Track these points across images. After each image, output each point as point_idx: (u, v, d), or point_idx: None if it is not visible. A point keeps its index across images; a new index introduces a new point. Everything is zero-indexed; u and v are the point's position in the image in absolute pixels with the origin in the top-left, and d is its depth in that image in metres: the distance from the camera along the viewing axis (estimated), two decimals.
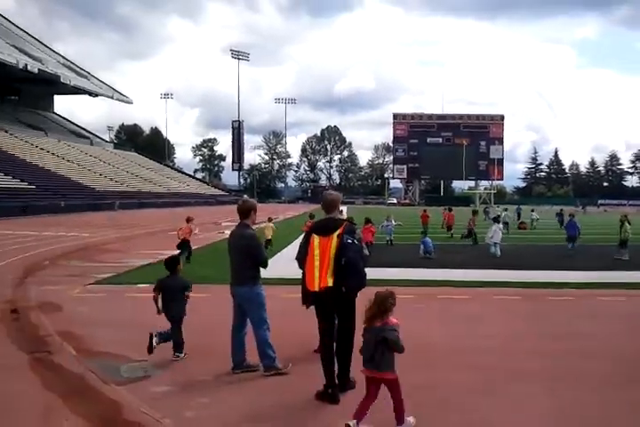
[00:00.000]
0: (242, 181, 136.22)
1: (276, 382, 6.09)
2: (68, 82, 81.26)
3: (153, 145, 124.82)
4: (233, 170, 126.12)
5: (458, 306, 10.47)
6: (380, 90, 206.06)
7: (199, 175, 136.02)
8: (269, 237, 19.40)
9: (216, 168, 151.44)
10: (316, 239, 5.69)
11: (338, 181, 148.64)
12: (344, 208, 42.04)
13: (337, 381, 5.63)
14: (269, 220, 20.94)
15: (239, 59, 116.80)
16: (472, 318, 9.39)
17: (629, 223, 18.90)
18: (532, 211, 38.96)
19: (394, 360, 4.84)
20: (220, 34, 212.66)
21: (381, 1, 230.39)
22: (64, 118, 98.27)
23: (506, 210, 37.69)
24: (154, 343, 6.65)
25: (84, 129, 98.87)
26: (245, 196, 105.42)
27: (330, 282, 5.47)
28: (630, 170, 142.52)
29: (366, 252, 5.84)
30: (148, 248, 20.36)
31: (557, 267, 15.88)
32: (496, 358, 7.00)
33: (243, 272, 6.37)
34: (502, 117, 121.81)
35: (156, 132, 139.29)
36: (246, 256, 6.34)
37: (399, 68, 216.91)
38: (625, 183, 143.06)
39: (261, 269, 6.45)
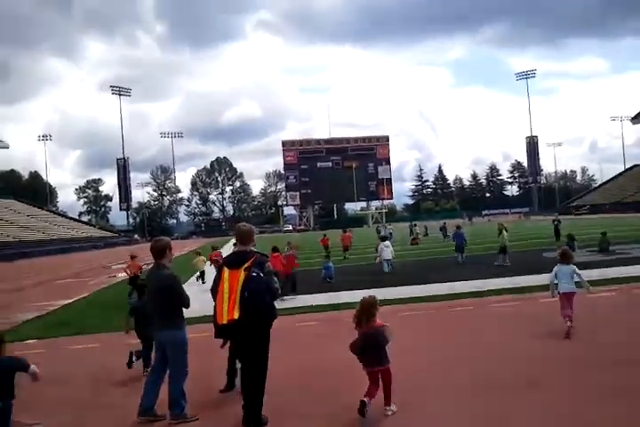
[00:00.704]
0: (131, 220, 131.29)
1: None
2: None
3: (33, 190, 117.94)
4: (121, 210, 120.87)
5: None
6: (266, 118, 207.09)
7: (85, 218, 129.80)
8: (203, 269, 20.28)
9: (102, 209, 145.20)
10: (225, 272, 5.70)
11: (231, 212, 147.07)
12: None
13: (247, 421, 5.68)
14: (198, 253, 22.23)
15: (120, 94, 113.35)
16: None
17: (506, 231, 20.32)
18: (415, 226, 40.77)
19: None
20: (99, 71, 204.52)
21: (261, 31, 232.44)
22: None
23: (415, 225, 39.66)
24: (133, 360, 7.05)
25: None
26: (136, 236, 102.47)
27: (236, 315, 5.46)
28: (509, 180, 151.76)
29: (277, 286, 5.87)
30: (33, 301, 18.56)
31: (448, 278, 16.38)
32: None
33: (165, 315, 6.16)
34: (387, 139, 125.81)
35: (35, 176, 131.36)
36: (168, 298, 6.13)
37: (284, 96, 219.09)
38: (505, 193, 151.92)
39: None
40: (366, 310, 5.89)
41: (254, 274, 5.57)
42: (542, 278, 14.45)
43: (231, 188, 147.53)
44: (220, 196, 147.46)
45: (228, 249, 20.30)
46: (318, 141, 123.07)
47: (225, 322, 5.50)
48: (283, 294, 14.33)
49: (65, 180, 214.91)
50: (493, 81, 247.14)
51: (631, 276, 14.55)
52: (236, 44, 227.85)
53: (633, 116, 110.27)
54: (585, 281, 9.00)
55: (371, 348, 5.80)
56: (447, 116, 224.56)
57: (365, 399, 5.63)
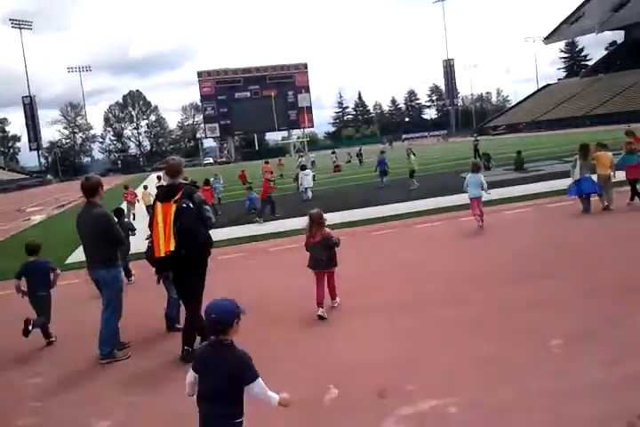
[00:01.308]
0: (43, 160, 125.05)
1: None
2: None
3: None
4: (31, 150, 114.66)
5: (289, 255, 10.48)
6: (179, 49, 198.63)
7: None
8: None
9: (11, 150, 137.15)
10: (158, 206, 5.74)
11: (149, 147, 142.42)
12: (153, 175, 41.06)
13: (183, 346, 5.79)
14: (145, 188, 21.40)
15: (21, 28, 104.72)
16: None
17: (414, 155, 21.14)
18: (334, 153, 41.37)
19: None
20: None
21: None
22: None
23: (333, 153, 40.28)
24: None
25: None
26: (49, 176, 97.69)
27: (172, 247, 5.53)
28: (427, 103, 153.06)
29: (209, 214, 5.90)
30: None
31: (370, 203, 16.81)
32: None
33: (98, 255, 6.14)
34: (306, 66, 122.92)
35: None
36: (101, 237, 6.09)
37: (196, 24, 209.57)
38: (424, 117, 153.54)
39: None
40: (316, 221, 6.81)
41: (184, 205, 5.61)
42: (453, 199, 15.14)
43: (146, 122, 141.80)
44: (136, 131, 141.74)
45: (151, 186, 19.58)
46: (235, 71, 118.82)
47: (162, 255, 5.57)
48: (258, 216, 16.15)
49: None
50: (410, 3, 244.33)
51: (543, 191, 15.18)
52: None
53: (545, 36, 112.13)
54: (486, 188, 11.25)
55: (324, 252, 6.78)
56: (366, 42, 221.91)
57: (320, 312, 6.66)
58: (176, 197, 5.64)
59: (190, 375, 3.27)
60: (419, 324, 6.13)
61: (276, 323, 6.68)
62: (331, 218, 14.23)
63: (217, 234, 12.91)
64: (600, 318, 5.64)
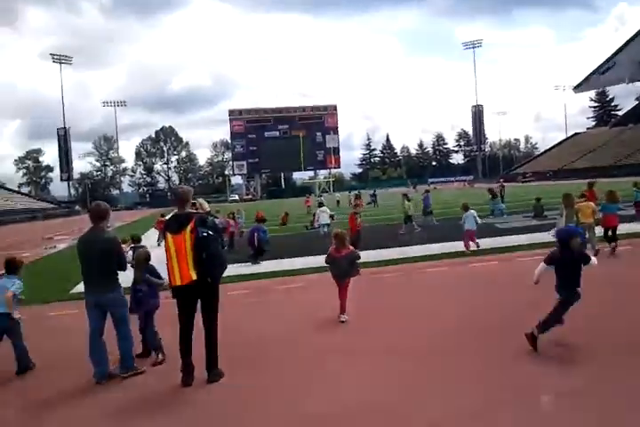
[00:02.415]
0: (73, 191, 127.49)
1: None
2: None
3: None
4: (62, 180, 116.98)
5: (299, 295, 10.56)
6: (215, 87, 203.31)
7: (25, 190, 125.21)
8: None
9: (43, 180, 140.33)
10: (169, 237, 5.80)
11: (177, 182, 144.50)
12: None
13: (208, 370, 5.96)
14: (162, 215, 22.32)
15: (61, 62, 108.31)
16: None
17: (408, 200, 21.06)
18: (357, 193, 41.79)
19: None
20: (39, 39, 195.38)
21: None
22: None
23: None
24: None
25: None
26: (77, 206, 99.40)
27: (194, 276, 5.64)
28: (455, 148, 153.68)
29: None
30: None
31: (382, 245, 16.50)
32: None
33: (107, 278, 6.19)
34: (335, 108, 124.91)
35: None
36: (111, 260, 6.15)
37: (232, 65, 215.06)
38: (451, 161, 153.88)
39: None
40: (341, 238, 8.25)
41: (205, 234, 5.71)
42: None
43: (177, 157, 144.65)
44: (166, 165, 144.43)
45: None
46: (266, 110, 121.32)
47: (179, 284, 5.70)
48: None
49: (3, 151, 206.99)
50: (442, 51, 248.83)
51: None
52: (182, 11, 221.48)
53: (575, 85, 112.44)
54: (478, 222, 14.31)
55: (347, 264, 8.19)
56: (397, 87, 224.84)
57: (342, 318, 8.08)
58: (190, 227, 5.69)
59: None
60: (410, 370, 5.95)
61: (267, 364, 6.53)
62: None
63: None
64: (600, 376, 5.42)
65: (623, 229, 13.78)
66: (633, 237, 14.18)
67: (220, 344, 6.06)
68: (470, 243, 14.13)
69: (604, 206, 12.88)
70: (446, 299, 9.30)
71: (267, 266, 14.26)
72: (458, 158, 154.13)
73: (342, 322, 7.95)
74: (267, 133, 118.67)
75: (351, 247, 8.40)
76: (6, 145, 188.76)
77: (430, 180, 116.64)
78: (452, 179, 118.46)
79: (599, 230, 12.61)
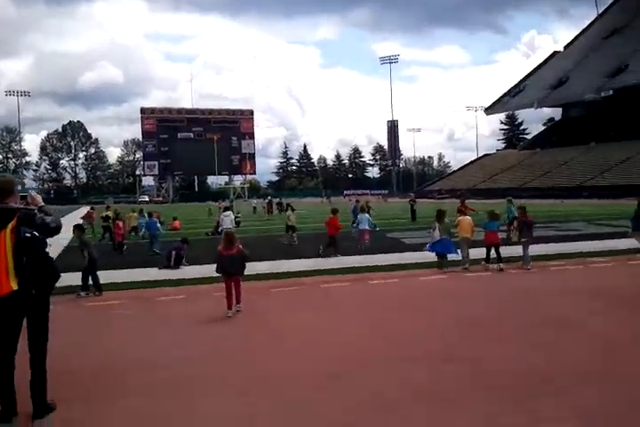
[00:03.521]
0: None
1: None
2: None
3: None
4: None
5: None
6: (128, 84, 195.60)
7: None
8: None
9: None
10: None
11: (85, 179, 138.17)
12: (86, 208, 39.22)
13: (35, 402, 4.79)
14: (133, 211, 23.76)
15: None
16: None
17: (293, 210, 21.42)
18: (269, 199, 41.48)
19: None
20: None
21: None
22: None
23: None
24: None
25: None
26: None
27: (14, 285, 4.58)
28: (371, 162, 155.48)
29: (50, 221, 4.88)
30: None
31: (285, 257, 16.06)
32: None
33: None
34: (252, 113, 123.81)
35: None
36: None
37: (147, 63, 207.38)
38: (367, 174, 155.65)
39: None
40: (229, 237, 9.06)
41: (28, 235, 4.68)
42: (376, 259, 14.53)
43: (85, 154, 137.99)
44: (73, 162, 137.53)
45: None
46: (180, 111, 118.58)
47: None
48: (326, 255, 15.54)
49: None
50: (361, 64, 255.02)
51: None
52: (97, 4, 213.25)
53: (486, 107, 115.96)
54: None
55: (235, 263, 8.78)
56: (314, 96, 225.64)
57: (230, 313, 8.67)
58: (11, 225, 4.61)
59: None
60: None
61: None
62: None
63: (110, 275, 12.12)
64: None
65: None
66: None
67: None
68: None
69: (486, 224, 13.35)
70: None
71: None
72: (374, 172, 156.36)
73: (230, 317, 8.55)
74: (180, 135, 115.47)
75: (240, 246, 8.98)
76: None
77: (346, 192, 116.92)
78: (368, 192, 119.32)
79: (479, 251, 13.03)
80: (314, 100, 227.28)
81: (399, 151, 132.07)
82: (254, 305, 9.34)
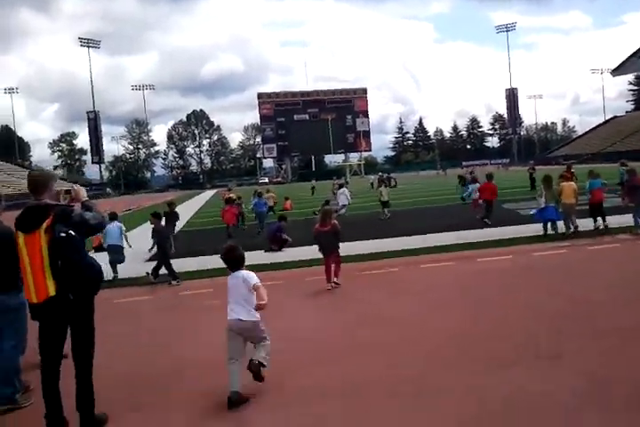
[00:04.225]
0: (107, 174, 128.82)
1: None
2: None
3: (4, 145, 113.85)
4: (93, 163, 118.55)
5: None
6: (247, 72, 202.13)
7: (60, 172, 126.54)
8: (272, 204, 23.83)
9: (77, 163, 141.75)
10: (20, 238, 4.36)
11: (209, 165, 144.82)
12: (211, 192, 40.56)
13: (81, 416, 4.42)
14: (267, 190, 25.23)
15: (89, 46, 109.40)
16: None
17: (386, 186, 21.68)
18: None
19: None
20: (75, 25, 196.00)
21: None
22: None
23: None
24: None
25: None
26: (108, 189, 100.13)
27: (52, 291, 4.24)
28: (490, 131, 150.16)
29: (94, 221, 4.58)
30: None
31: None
32: None
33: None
34: (365, 91, 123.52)
35: (7, 130, 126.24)
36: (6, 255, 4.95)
37: (264, 50, 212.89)
38: (486, 144, 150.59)
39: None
40: (325, 215, 9.41)
41: (63, 235, 4.28)
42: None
43: (208, 141, 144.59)
44: (197, 149, 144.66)
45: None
46: (294, 94, 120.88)
47: (36, 301, 4.30)
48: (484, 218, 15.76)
49: (44, 134, 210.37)
50: (476, 35, 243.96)
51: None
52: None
53: (613, 68, 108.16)
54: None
55: (330, 238, 9.16)
56: (430, 70, 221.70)
57: (328, 285, 9.02)
58: (45, 225, 4.26)
59: None
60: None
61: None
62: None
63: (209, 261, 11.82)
64: None
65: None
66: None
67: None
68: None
69: (590, 183, 13.43)
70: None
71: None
72: (493, 142, 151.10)
73: (329, 289, 8.88)
74: (296, 117, 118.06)
75: (335, 222, 9.31)
76: (46, 128, 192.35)
77: (464, 163, 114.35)
78: (488, 162, 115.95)
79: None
80: (429, 75, 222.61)
81: (519, 119, 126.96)
82: (355, 291, 8.88)
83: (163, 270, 10.89)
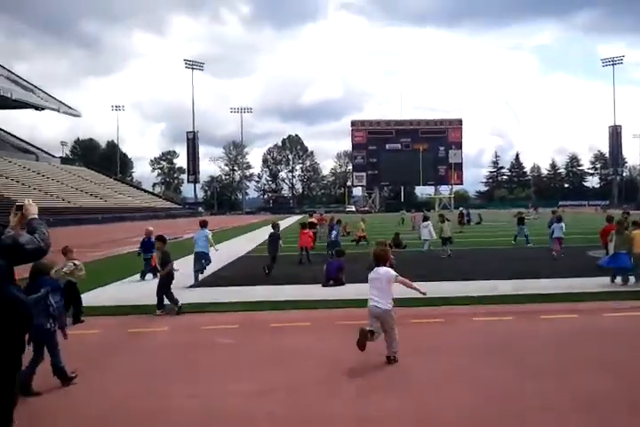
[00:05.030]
0: (202, 193, 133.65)
1: None
2: (9, 95, 78.04)
3: (109, 160, 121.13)
4: (188, 182, 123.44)
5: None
6: (345, 99, 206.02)
7: (158, 189, 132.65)
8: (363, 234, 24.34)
9: (176, 181, 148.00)
10: None
11: (300, 190, 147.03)
12: (295, 217, 40.75)
13: None
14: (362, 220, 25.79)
15: (193, 68, 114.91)
16: None
17: (447, 221, 20.59)
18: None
19: None
20: (185, 47, 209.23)
21: (345, 11, 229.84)
22: (7, 133, 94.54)
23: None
24: None
25: (29, 144, 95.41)
26: (200, 208, 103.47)
27: None
28: (590, 171, 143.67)
29: (32, 246, 3.88)
30: None
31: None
32: None
33: None
34: (460, 122, 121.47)
35: (112, 146, 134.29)
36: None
37: (365, 78, 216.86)
38: (585, 184, 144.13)
39: None
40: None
41: None
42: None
43: (301, 166, 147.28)
44: (290, 173, 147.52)
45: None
46: (388, 122, 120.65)
47: None
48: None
49: (147, 152, 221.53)
50: (580, 68, 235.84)
51: None
52: (318, 24, 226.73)
53: None
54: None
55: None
56: (530, 103, 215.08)
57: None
58: None
59: None
60: None
61: None
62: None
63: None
64: None
65: None
66: None
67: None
68: None
69: None
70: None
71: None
72: (593, 182, 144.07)
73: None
74: (388, 146, 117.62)
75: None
76: (152, 146, 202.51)
77: (561, 202, 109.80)
78: (585, 203, 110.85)
79: None
80: (529, 108, 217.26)
81: (622, 159, 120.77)
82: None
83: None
